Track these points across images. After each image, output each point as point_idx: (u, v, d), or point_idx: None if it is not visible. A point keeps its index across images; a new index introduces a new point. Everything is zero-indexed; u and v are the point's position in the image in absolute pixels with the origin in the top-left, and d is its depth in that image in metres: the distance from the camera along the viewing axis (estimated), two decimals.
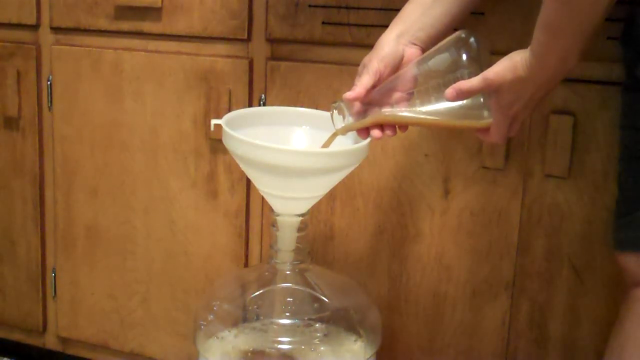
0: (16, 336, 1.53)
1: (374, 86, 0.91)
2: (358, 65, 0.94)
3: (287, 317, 1.03)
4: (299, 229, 1.03)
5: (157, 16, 1.27)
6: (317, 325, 1.03)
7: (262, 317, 1.04)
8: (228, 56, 1.24)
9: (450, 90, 0.84)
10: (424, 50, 0.94)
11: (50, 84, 1.38)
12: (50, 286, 1.47)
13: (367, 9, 1.13)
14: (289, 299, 1.05)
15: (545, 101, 1.06)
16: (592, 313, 1.09)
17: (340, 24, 1.15)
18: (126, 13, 1.29)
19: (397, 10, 0.96)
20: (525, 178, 1.10)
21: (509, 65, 0.82)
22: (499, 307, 1.15)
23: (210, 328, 1.06)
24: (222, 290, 1.13)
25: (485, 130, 0.88)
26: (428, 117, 0.89)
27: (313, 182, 0.96)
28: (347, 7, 1.14)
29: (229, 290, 1.13)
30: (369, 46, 0.95)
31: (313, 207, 1.04)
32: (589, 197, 1.07)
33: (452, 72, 0.86)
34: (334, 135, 0.96)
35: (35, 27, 1.38)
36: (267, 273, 1.06)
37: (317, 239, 1.23)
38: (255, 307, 1.05)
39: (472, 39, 0.86)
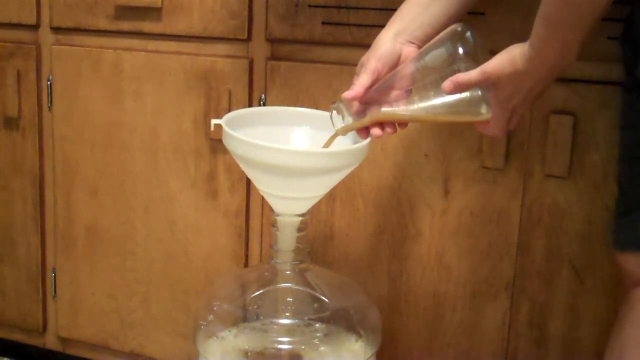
0: (16, 336, 1.53)
1: (372, 85, 0.91)
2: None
3: (287, 317, 1.03)
4: (299, 229, 1.03)
5: (157, 16, 1.27)
6: (317, 325, 1.03)
7: (262, 317, 1.04)
8: (228, 56, 1.24)
9: (447, 83, 0.84)
10: None
11: (50, 84, 1.38)
12: (50, 286, 1.47)
13: (367, 9, 1.13)
14: (289, 299, 1.05)
15: (545, 101, 1.06)
16: (592, 313, 1.09)
17: (340, 24, 1.15)
18: (126, 13, 1.29)
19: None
20: (525, 178, 1.10)
21: (508, 59, 0.82)
22: (499, 307, 1.15)
23: (210, 328, 1.06)
24: (222, 290, 1.13)
25: (485, 123, 0.88)
26: (427, 113, 0.89)
27: (313, 182, 0.96)
28: (347, 7, 1.14)
29: (229, 290, 1.13)
30: (368, 46, 0.95)
31: (313, 207, 1.04)
32: (589, 197, 1.07)
33: (449, 67, 0.85)
34: (335, 135, 0.96)
35: (35, 27, 1.38)
36: (267, 273, 1.06)
37: (317, 239, 1.23)
38: (255, 307, 1.05)
39: (467, 33, 0.86)
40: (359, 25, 1.14)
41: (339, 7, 1.15)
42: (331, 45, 1.18)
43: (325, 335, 1.03)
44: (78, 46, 1.35)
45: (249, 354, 1.02)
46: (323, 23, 1.16)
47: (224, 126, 0.95)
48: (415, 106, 0.89)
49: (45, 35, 1.38)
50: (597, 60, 1.03)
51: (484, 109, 0.86)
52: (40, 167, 1.42)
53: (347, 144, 0.98)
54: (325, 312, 1.04)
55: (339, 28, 1.16)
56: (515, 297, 1.14)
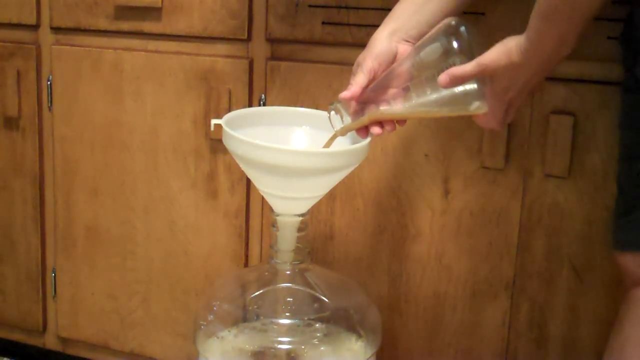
0: (16, 336, 1.53)
1: (369, 84, 0.91)
2: None
3: (287, 317, 1.03)
4: (299, 229, 1.03)
5: (157, 16, 1.27)
6: (317, 325, 1.03)
7: (262, 317, 1.04)
8: (228, 56, 1.24)
9: (443, 77, 0.83)
10: None
11: (50, 84, 1.38)
12: (50, 286, 1.47)
13: (367, 9, 1.13)
14: (289, 299, 1.05)
15: (545, 101, 1.06)
16: (592, 313, 1.09)
17: (340, 24, 1.15)
18: (126, 13, 1.29)
19: None
20: (525, 178, 1.10)
21: (504, 51, 0.82)
22: (499, 307, 1.15)
23: (210, 328, 1.06)
24: (222, 290, 1.13)
25: (483, 116, 0.88)
26: (425, 109, 0.89)
27: (313, 182, 0.96)
28: (347, 7, 1.14)
29: (229, 290, 1.13)
30: None
31: (313, 207, 1.04)
32: (589, 197, 1.07)
33: (445, 61, 0.85)
34: (334, 136, 0.96)
35: (35, 27, 1.38)
36: (267, 273, 1.06)
37: (317, 239, 1.23)
38: (255, 307, 1.05)
39: (461, 27, 0.85)
40: (359, 25, 1.14)
41: (339, 7, 1.15)
42: (331, 45, 1.18)
43: (325, 335, 1.03)
44: (78, 46, 1.35)
45: (249, 354, 1.02)
46: (323, 23, 1.16)
47: (224, 126, 0.95)
48: (413, 102, 0.89)
49: (45, 35, 1.38)
50: (597, 60, 1.03)
51: (480, 102, 0.86)
52: (40, 167, 1.42)
53: (347, 144, 0.98)
54: (325, 312, 1.04)
55: (339, 28, 1.16)
56: (515, 297, 1.14)
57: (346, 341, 1.04)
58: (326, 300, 1.04)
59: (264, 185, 0.98)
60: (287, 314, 1.03)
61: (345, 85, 0.93)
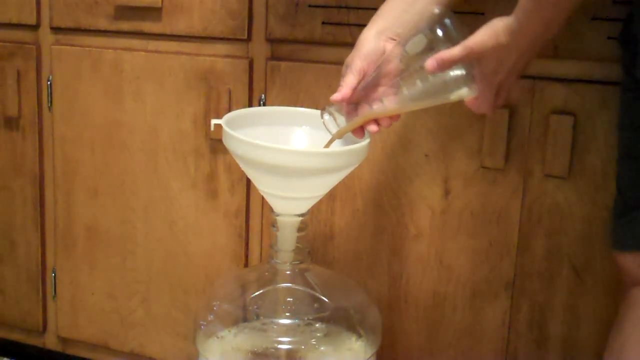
0: (16, 336, 1.53)
1: (359, 84, 0.91)
2: None
3: (287, 317, 1.03)
4: (299, 229, 1.03)
5: (157, 16, 1.27)
6: (317, 325, 1.03)
7: (262, 317, 1.04)
8: (228, 56, 1.24)
9: (430, 62, 0.81)
10: None
11: (50, 84, 1.38)
12: (50, 286, 1.47)
13: (367, 9, 1.13)
14: (289, 299, 1.05)
15: (545, 101, 1.06)
16: (592, 313, 1.09)
17: (340, 24, 1.15)
18: (126, 13, 1.29)
19: None
20: (525, 178, 1.10)
21: (490, 33, 0.81)
22: (499, 307, 1.15)
23: (210, 328, 1.06)
24: (222, 290, 1.13)
25: (474, 100, 0.87)
26: (417, 100, 0.89)
27: (313, 182, 0.96)
28: (347, 7, 1.14)
29: (229, 290, 1.13)
30: None
31: (313, 207, 1.04)
32: (589, 197, 1.07)
33: (431, 51, 0.84)
34: (332, 140, 0.96)
35: (35, 27, 1.38)
36: (267, 273, 1.06)
37: (317, 239, 1.23)
38: (255, 307, 1.05)
39: (445, 16, 0.84)
40: (359, 25, 1.14)
41: (339, 7, 1.15)
42: (331, 45, 1.18)
43: (325, 335, 1.03)
44: (78, 46, 1.35)
45: (249, 353, 1.02)
46: (323, 23, 1.16)
47: (224, 126, 0.95)
48: (405, 96, 0.88)
49: (45, 35, 1.38)
50: (597, 60, 1.03)
51: (470, 87, 0.85)
52: (40, 167, 1.42)
53: (346, 144, 0.98)
54: (325, 312, 1.04)
55: (339, 28, 1.16)
56: (515, 297, 1.14)
57: (346, 341, 1.04)
58: (326, 300, 1.04)
59: (264, 185, 0.98)
60: (287, 314, 1.03)
61: None
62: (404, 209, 1.18)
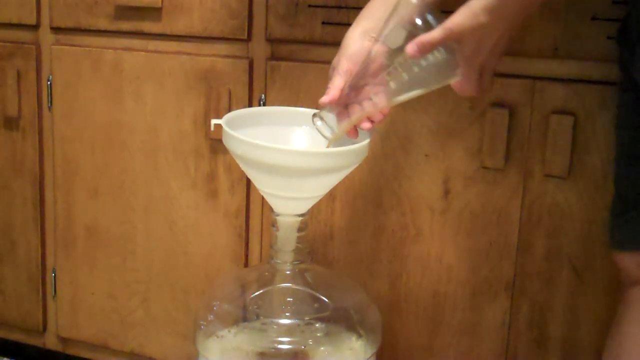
0: (16, 336, 1.53)
1: (347, 85, 0.91)
2: None
3: (287, 317, 1.03)
4: (299, 229, 1.03)
5: (157, 16, 1.27)
6: (317, 325, 1.03)
7: (262, 317, 1.04)
8: (228, 56, 1.24)
9: (411, 46, 0.82)
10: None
11: (50, 84, 1.38)
12: (50, 286, 1.47)
13: None
14: (289, 299, 1.05)
15: (545, 101, 1.06)
16: (592, 313, 1.09)
17: (340, 24, 1.15)
18: (126, 13, 1.29)
19: None
20: (525, 178, 1.10)
21: (469, 13, 0.80)
22: (499, 307, 1.15)
23: (210, 328, 1.06)
24: (222, 290, 1.13)
25: (457, 83, 0.87)
26: (406, 92, 0.89)
27: (313, 182, 0.96)
28: (347, 7, 1.14)
29: (229, 290, 1.13)
30: None
31: (313, 207, 1.04)
32: (589, 197, 1.07)
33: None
34: (329, 145, 0.96)
35: (35, 27, 1.38)
36: (267, 273, 1.06)
37: (317, 239, 1.23)
38: (255, 307, 1.05)
39: (423, 7, 0.85)
40: None
41: (339, 7, 1.15)
42: (331, 45, 1.17)
43: (325, 335, 1.03)
44: (78, 46, 1.35)
45: (249, 353, 1.02)
46: (323, 23, 1.16)
47: (224, 126, 0.95)
48: (393, 90, 0.89)
49: (45, 35, 1.38)
50: (597, 60, 1.03)
51: (453, 70, 0.85)
52: (40, 167, 1.42)
53: (347, 144, 0.98)
54: (325, 312, 1.04)
55: (339, 28, 1.16)
56: (515, 297, 1.14)
57: (346, 341, 1.04)
58: (326, 300, 1.04)
59: (264, 185, 0.98)
60: (287, 313, 1.03)
61: None
62: (404, 209, 1.18)
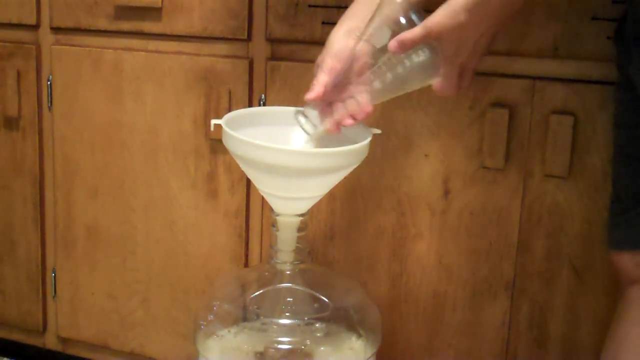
0: (16, 336, 1.53)
1: (331, 83, 0.91)
2: None
3: (287, 317, 1.03)
4: (299, 229, 1.03)
5: (157, 16, 1.27)
6: (317, 325, 1.03)
7: (262, 317, 1.04)
8: (228, 56, 1.24)
9: (392, 43, 0.83)
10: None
11: (50, 84, 1.38)
12: (50, 286, 1.47)
13: None
14: (289, 299, 1.05)
15: (545, 101, 1.06)
16: (592, 313, 1.09)
17: None
18: (126, 13, 1.29)
19: None
20: (525, 178, 1.10)
21: (449, 11, 0.81)
22: (499, 307, 1.15)
23: (210, 328, 1.06)
24: (222, 290, 1.13)
25: (438, 83, 0.87)
26: (389, 91, 0.90)
27: (313, 182, 0.96)
28: (346, 7, 1.14)
29: (229, 290, 1.13)
30: None
31: (313, 207, 1.04)
32: (589, 197, 1.07)
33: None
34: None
35: (35, 27, 1.38)
36: (267, 273, 1.06)
37: (317, 239, 1.23)
38: (255, 307, 1.05)
39: (407, 6, 0.85)
40: None
41: (339, 7, 1.15)
42: None
43: (325, 335, 1.03)
44: (78, 46, 1.35)
45: (249, 353, 1.02)
46: (323, 23, 1.16)
47: (223, 126, 0.95)
48: (377, 89, 0.90)
49: (45, 35, 1.38)
50: (597, 60, 1.03)
51: (435, 70, 0.85)
52: (40, 167, 1.42)
53: (346, 144, 0.98)
54: (325, 311, 1.04)
55: None
56: (515, 297, 1.14)
57: (346, 341, 1.04)
58: (326, 300, 1.04)
59: (264, 185, 0.98)
60: (287, 313, 1.03)
61: None
62: (404, 209, 1.18)
